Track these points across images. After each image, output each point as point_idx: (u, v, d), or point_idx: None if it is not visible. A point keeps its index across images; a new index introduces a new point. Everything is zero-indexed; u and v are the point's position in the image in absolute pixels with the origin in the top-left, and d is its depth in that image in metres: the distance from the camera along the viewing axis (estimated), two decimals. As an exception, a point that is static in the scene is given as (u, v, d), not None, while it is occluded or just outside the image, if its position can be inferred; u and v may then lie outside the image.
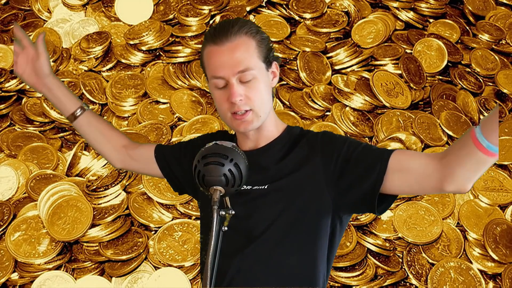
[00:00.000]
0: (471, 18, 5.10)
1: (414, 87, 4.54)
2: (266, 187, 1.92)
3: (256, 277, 1.89)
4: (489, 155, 1.70)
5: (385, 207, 1.90)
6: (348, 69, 4.64)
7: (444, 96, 4.59)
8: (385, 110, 4.43)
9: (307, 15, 4.86)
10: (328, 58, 4.64)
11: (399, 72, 4.58)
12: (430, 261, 3.80)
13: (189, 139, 2.20)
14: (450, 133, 4.33)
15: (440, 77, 4.71)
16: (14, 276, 3.77)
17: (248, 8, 4.91)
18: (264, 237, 1.89)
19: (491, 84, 4.72)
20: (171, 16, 4.89)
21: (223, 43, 1.90)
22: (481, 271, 3.77)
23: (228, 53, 1.89)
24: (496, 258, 3.78)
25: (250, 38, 1.92)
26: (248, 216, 1.91)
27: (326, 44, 4.73)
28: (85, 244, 3.82)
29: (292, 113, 4.37)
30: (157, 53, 4.74)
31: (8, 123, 4.46)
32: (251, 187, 1.92)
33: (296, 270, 1.90)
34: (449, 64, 4.74)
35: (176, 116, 4.41)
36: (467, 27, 5.04)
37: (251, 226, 1.91)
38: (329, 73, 4.56)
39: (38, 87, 2.28)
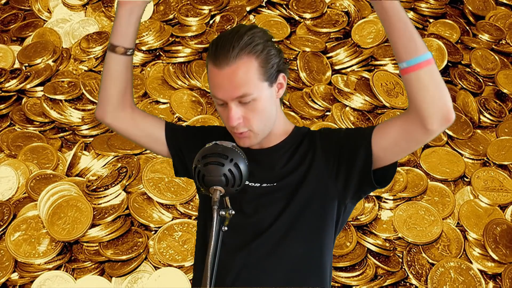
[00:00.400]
0: (471, 18, 5.10)
1: (414, 87, 4.54)
2: (274, 184, 1.93)
3: (265, 271, 1.90)
4: (418, 67, 1.73)
5: (388, 179, 1.93)
6: (348, 69, 4.64)
7: (444, 96, 4.59)
8: (385, 110, 4.43)
9: (307, 15, 4.86)
10: (328, 58, 4.64)
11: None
12: (430, 261, 3.80)
13: (202, 126, 2.18)
14: (450, 133, 4.33)
15: (440, 77, 4.71)
16: (14, 276, 3.77)
17: (248, 8, 4.91)
18: (271, 230, 1.90)
19: (491, 84, 4.72)
20: (171, 16, 4.89)
21: (222, 67, 1.85)
22: (481, 271, 3.77)
23: (227, 78, 1.85)
24: (496, 258, 3.78)
25: (252, 60, 1.86)
26: (255, 212, 1.93)
27: (326, 44, 4.73)
28: (85, 244, 3.82)
29: (292, 113, 4.37)
30: (157, 53, 4.74)
31: (8, 123, 4.46)
32: (259, 184, 1.94)
33: (304, 260, 1.92)
34: (449, 64, 4.74)
35: (176, 116, 4.41)
36: (467, 27, 5.04)
37: (258, 221, 1.92)
38: (329, 73, 4.56)
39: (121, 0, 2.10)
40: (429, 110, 1.74)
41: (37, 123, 4.43)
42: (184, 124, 4.34)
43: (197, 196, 3.91)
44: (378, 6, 1.76)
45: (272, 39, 1.93)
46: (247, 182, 1.92)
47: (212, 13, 4.88)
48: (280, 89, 1.95)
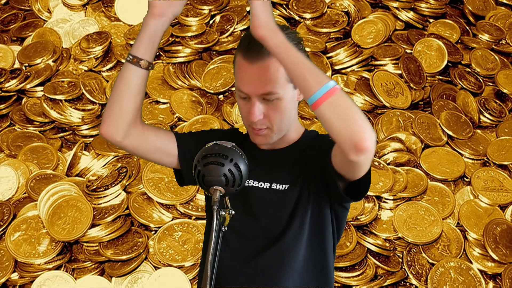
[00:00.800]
0: (471, 18, 5.10)
1: (414, 87, 4.54)
2: (284, 187, 1.94)
3: (277, 276, 1.91)
4: (316, 105, 1.70)
5: (360, 194, 1.91)
6: (348, 69, 4.64)
7: (444, 96, 4.59)
8: (385, 110, 4.43)
9: (307, 15, 4.86)
10: (328, 58, 4.64)
11: (399, 72, 4.58)
12: (430, 261, 3.80)
13: (210, 129, 2.17)
14: (450, 133, 4.33)
15: (440, 77, 4.71)
16: (14, 276, 3.77)
17: (248, 8, 4.91)
18: (283, 236, 1.91)
19: (491, 84, 4.72)
20: (171, 16, 4.89)
21: (253, 62, 1.85)
22: (481, 271, 3.77)
23: (256, 74, 1.85)
24: (496, 258, 3.78)
25: None
26: (265, 215, 1.94)
27: (326, 44, 4.72)
28: (85, 244, 3.82)
29: (292, 113, 4.37)
30: (157, 53, 4.74)
31: (8, 123, 4.46)
32: (269, 185, 1.95)
33: (311, 263, 1.94)
34: (449, 64, 4.74)
35: (176, 116, 4.41)
36: (467, 27, 5.04)
37: (269, 226, 1.93)
38: (329, 73, 4.56)
39: (153, 11, 1.93)
40: (340, 143, 1.69)
41: (37, 123, 4.43)
42: (184, 125, 4.35)
43: (197, 196, 3.91)
44: (268, 49, 1.76)
45: (302, 42, 1.91)
46: (255, 183, 1.94)
47: (212, 13, 4.88)
48: (301, 93, 1.93)
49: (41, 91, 4.51)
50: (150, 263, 3.78)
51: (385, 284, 3.77)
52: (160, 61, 4.69)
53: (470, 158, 4.27)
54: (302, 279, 1.92)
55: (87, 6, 5.06)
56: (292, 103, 1.92)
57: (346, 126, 1.66)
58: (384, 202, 3.98)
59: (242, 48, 1.87)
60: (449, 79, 4.70)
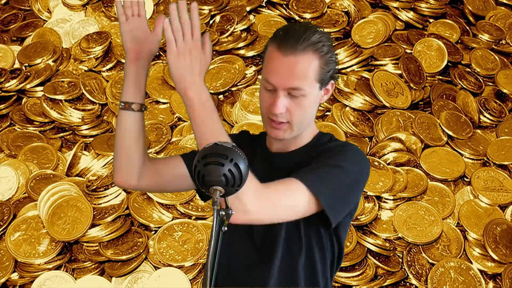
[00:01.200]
0: (471, 18, 5.10)
1: (414, 87, 4.54)
2: None
3: (285, 281, 1.93)
4: None
5: (328, 224, 1.89)
6: (348, 69, 4.64)
7: (444, 96, 4.59)
8: (385, 110, 4.43)
9: (307, 15, 4.86)
10: (328, 58, 4.64)
11: (399, 72, 4.58)
12: (430, 261, 3.80)
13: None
14: (450, 133, 4.33)
15: (440, 77, 4.71)
16: (14, 276, 3.77)
17: (248, 8, 4.91)
18: (292, 241, 1.93)
19: (491, 84, 4.72)
20: (171, 16, 4.89)
21: (287, 55, 1.86)
22: (481, 271, 3.77)
23: (287, 67, 1.86)
24: (496, 258, 3.78)
25: (317, 58, 1.87)
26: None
27: (326, 44, 4.72)
28: (85, 244, 3.82)
29: (292, 113, 4.37)
30: (157, 53, 4.74)
31: (8, 123, 4.46)
32: None
33: (314, 271, 1.96)
34: (449, 64, 4.74)
35: (176, 116, 4.41)
36: (467, 27, 5.04)
37: (276, 231, 1.93)
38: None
39: (130, 57, 1.96)
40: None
41: (37, 123, 4.43)
42: (184, 125, 4.35)
43: (197, 196, 3.91)
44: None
45: (333, 45, 1.93)
46: None
47: (212, 13, 4.88)
48: (325, 95, 1.95)
49: (41, 91, 4.51)
50: (150, 263, 3.78)
51: (385, 284, 3.77)
52: (160, 61, 4.69)
53: (470, 158, 4.27)
54: (309, 283, 1.93)
55: (87, 6, 5.06)
56: (315, 103, 1.93)
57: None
58: (384, 202, 3.98)
59: (277, 39, 1.88)
60: (449, 79, 4.70)
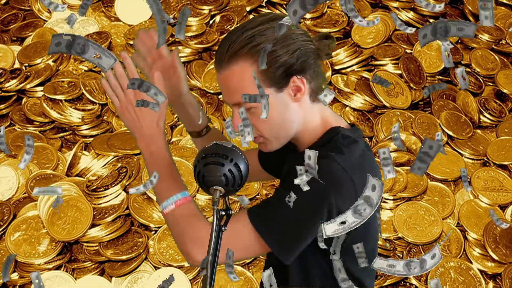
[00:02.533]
0: (471, 18, 5.10)
1: (414, 87, 4.54)
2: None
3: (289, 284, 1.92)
4: (163, 213, 1.82)
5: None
6: (348, 69, 4.64)
7: (444, 96, 4.59)
8: (385, 110, 4.43)
9: (307, 15, 4.86)
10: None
11: (399, 72, 4.58)
12: (430, 261, 3.80)
13: None
14: (450, 133, 4.33)
15: (440, 77, 4.71)
16: (14, 276, 3.77)
17: (248, 8, 4.91)
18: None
19: (491, 84, 4.72)
20: (171, 16, 4.89)
21: (218, 70, 1.76)
22: (481, 271, 3.77)
23: (222, 83, 1.77)
24: (496, 258, 3.78)
25: (247, 64, 1.70)
26: None
27: (326, 44, 4.72)
28: (85, 244, 3.82)
29: (292, 113, 4.37)
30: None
31: (8, 123, 4.46)
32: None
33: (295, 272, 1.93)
34: (449, 64, 4.73)
35: (176, 116, 4.41)
36: (467, 27, 5.04)
37: None
38: (329, 73, 4.56)
39: (171, 103, 2.00)
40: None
41: (37, 123, 4.43)
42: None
43: (197, 196, 3.91)
44: None
45: (288, 36, 1.71)
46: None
47: (212, 13, 4.88)
48: (297, 93, 1.75)
49: (41, 91, 4.51)
50: (150, 263, 3.78)
51: (385, 284, 3.76)
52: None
53: (470, 158, 4.27)
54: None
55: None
56: (283, 107, 1.75)
57: (178, 241, 1.81)
58: (384, 202, 3.98)
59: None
60: (449, 79, 4.70)
